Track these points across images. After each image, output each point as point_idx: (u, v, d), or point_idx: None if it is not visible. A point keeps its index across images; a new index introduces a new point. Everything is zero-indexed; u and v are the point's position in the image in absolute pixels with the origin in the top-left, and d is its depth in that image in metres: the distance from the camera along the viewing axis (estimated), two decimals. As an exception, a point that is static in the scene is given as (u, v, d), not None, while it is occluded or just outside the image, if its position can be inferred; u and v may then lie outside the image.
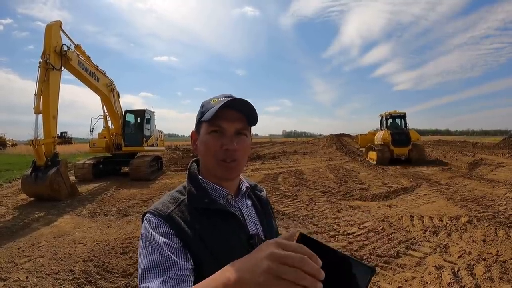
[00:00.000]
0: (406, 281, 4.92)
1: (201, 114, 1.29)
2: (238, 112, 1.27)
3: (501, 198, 10.10)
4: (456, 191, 11.38)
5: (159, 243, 1.09)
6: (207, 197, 1.27)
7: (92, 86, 14.60)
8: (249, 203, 1.43)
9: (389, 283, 4.89)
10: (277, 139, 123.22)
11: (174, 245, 1.10)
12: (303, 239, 1.24)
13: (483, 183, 12.90)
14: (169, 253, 1.06)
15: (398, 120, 24.63)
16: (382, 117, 25.34)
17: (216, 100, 1.28)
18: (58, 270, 5.36)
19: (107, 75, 15.92)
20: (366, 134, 31.98)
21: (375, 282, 4.90)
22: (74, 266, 5.49)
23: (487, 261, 5.40)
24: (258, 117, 1.31)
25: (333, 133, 67.02)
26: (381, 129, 25.30)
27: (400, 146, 22.19)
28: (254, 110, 1.28)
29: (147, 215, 1.21)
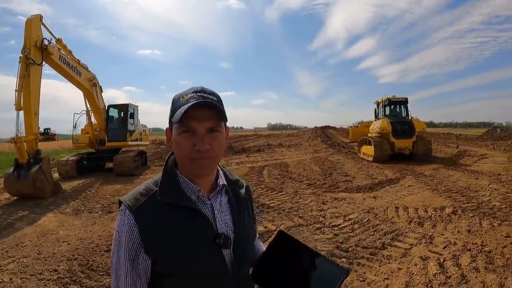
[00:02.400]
0: (392, 272, 4.96)
1: (172, 112, 1.28)
2: (209, 109, 1.24)
3: (485, 189, 10.25)
4: (440, 182, 11.54)
5: (119, 244, 1.23)
6: (177, 192, 1.29)
7: (74, 80, 14.42)
8: (225, 200, 1.41)
9: (375, 275, 4.92)
10: (262, 132, 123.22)
11: (133, 246, 1.20)
12: (281, 236, 1.34)
13: (467, 174, 13.05)
14: (123, 264, 1.22)
15: (398, 107, 21.03)
16: (378, 104, 21.64)
17: (186, 96, 1.26)
18: (42, 270, 5.30)
19: (89, 69, 15.74)
20: (357, 126, 28.09)
21: (361, 274, 4.93)
22: (58, 266, 5.43)
23: (472, 251, 5.45)
24: (224, 114, 1.29)
25: (318, 126, 67.28)
26: (377, 119, 21.54)
27: (403, 137, 18.60)
28: (218, 108, 1.25)
29: (121, 206, 1.27)
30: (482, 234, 6.25)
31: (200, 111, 1.22)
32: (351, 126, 29.81)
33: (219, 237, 1.27)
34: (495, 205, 8.29)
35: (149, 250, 1.19)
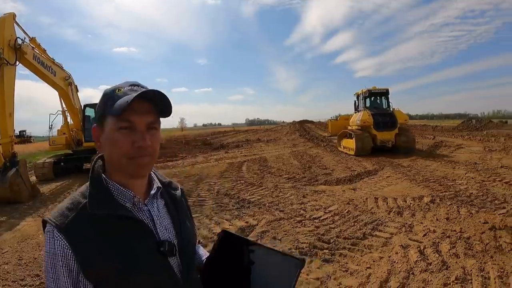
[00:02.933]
0: (374, 261, 5.05)
1: (106, 106, 1.15)
2: (150, 103, 1.16)
3: (462, 177, 10.53)
4: (418, 172, 11.79)
5: (55, 272, 1.06)
6: (110, 201, 1.15)
7: (48, 80, 14.09)
8: (161, 204, 1.32)
9: (357, 265, 5.01)
10: (240, 127, 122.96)
11: (71, 273, 1.06)
12: (227, 236, 1.32)
13: (444, 164, 13.37)
14: None
15: (379, 99, 20.47)
16: (358, 95, 20.92)
17: (122, 89, 1.16)
18: (24, 276, 5.23)
19: (64, 68, 15.43)
20: (337, 119, 26.58)
21: (343, 265, 5.00)
22: (40, 271, 5.37)
23: (451, 238, 5.62)
24: (172, 107, 1.21)
25: (296, 120, 67.56)
26: (357, 111, 20.93)
27: (385, 130, 17.93)
28: (168, 99, 1.18)
29: (46, 227, 1.11)
30: (460, 221, 6.41)
31: (142, 104, 1.14)
32: (330, 119, 28.61)
33: (163, 244, 1.18)
34: (472, 193, 8.52)
35: (89, 273, 1.06)
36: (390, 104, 19.77)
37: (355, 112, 21.22)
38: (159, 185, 1.33)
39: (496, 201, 7.74)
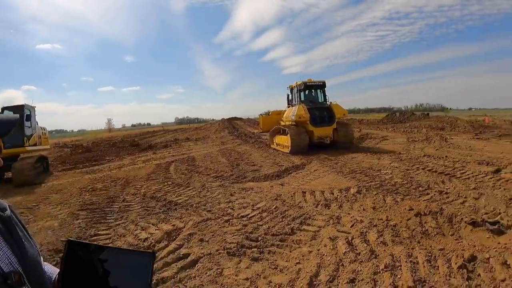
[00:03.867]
0: (303, 256, 4.94)
1: None
2: None
3: (387, 167, 10.87)
4: (344, 165, 12.01)
5: None
6: None
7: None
8: None
9: (286, 261, 4.88)
10: (169, 126, 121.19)
11: None
12: (72, 245, 1.17)
13: (370, 155, 13.78)
14: None
15: (314, 92, 19.25)
16: (293, 89, 19.38)
17: None
18: None
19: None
20: (269, 115, 24.27)
21: (272, 262, 4.86)
22: None
23: (378, 227, 5.68)
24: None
25: (226, 117, 67.78)
26: (291, 105, 19.42)
27: (322, 125, 16.71)
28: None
29: None
30: (386, 210, 6.53)
31: None
32: (261, 115, 26.53)
33: (9, 276, 1.00)
34: (397, 181, 8.77)
35: None
36: (327, 98, 18.74)
37: (288, 107, 19.79)
38: None
39: (420, 188, 8.00)
